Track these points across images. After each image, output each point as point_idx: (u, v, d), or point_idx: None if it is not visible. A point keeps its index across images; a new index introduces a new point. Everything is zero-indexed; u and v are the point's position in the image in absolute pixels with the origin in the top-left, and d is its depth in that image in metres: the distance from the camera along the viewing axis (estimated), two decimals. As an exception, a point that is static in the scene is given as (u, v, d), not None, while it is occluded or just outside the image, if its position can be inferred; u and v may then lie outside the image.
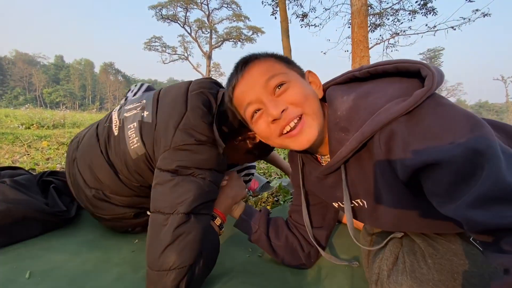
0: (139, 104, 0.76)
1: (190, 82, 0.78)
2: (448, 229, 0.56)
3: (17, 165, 1.93)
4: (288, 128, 0.53)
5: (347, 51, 7.24)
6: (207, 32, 38.70)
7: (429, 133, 0.40)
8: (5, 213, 0.71)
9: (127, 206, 0.77)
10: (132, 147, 0.70)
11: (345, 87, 0.56)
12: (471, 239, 0.56)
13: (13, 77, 52.18)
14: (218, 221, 0.74)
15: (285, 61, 0.59)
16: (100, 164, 0.73)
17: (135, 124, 0.71)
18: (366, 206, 0.57)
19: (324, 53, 8.00)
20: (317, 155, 0.65)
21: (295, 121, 0.52)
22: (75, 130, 5.70)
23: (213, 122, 0.68)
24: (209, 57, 39.18)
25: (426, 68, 0.44)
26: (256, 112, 0.55)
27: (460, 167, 0.37)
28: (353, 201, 0.59)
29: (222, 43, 39.50)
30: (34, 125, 5.95)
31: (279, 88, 0.53)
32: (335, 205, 0.66)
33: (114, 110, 0.79)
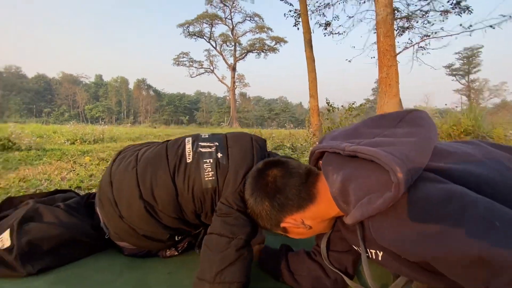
0: (212, 144, 0.90)
1: (251, 136, 0.95)
2: None
3: (65, 182, 2.14)
4: None
5: (374, 57, 7.03)
6: (231, 45, 39.98)
7: (403, 235, 0.45)
8: (59, 237, 0.81)
9: (168, 227, 0.84)
10: (206, 178, 0.82)
11: (334, 163, 0.61)
12: None
13: (60, 96, 57.93)
14: None
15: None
16: (164, 183, 0.82)
17: (211, 160, 0.84)
18: (380, 259, 0.58)
19: (349, 61, 7.84)
20: None
21: None
22: (112, 144, 6.12)
23: None
24: (233, 69, 40.29)
25: (394, 174, 0.46)
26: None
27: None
28: (369, 251, 0.60)
29: (246, 55, 40.47)
30: (78, 140, 6.50)
31: None
32: (356, 248, 0.67)
33: (187, 141, 0.91)
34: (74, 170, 2.73)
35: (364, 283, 0.84)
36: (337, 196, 0.57)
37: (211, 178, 0.82)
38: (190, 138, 0.92)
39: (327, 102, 7.05)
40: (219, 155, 0.86)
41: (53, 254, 0.79)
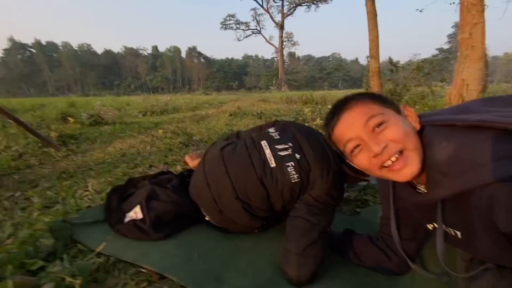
0: (287, 146, 1.01)
1: (317, 135, 1.04)
2: None
3: (152, 156, 2.58)
4: (389, 163, 0.58)
5: (453, 3, 5.81)
6: (278, 1, 37.16)
7: None
8: (173, 211, 1.08)
9: (261, 217, 1.03)
10: (293, 181, 0.95)
11: (444, 131, 0.57)
12: None
13: (125, 69, 64.08)
14: None
15: (381, 100, 0.64)
16: (255, 187, 0.98)
17: (292, 163, 0.96)
18: (460, 237, 0.61)
19: (421, 11, 6.67)
20: (412, 181, 0.68)
21: (396, 155, 0.57)
22: (176, 115, 6.65)
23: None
24: (281, 27, 37.86)
25: None
26: (356, 148, 0.62)
27: None
28: (447, 229, 0.63)
29: (294, 9, 37.32)
30: (148, 112, 7.19)
31: (378, 127, 0.59)
32: (430, 226, 0.70)
33: (265, 146, 1.02)
34: (154, 143, 3.19)
35: (426, 267, 0.91)
36: (439, 164, 0.53)
37: (296, 180, 0.95)
38: (265, 142, 1.03)
39: (390, 61, 6.31)
40: (297, 156, 0.97)
41: (172, 224, 1.08)
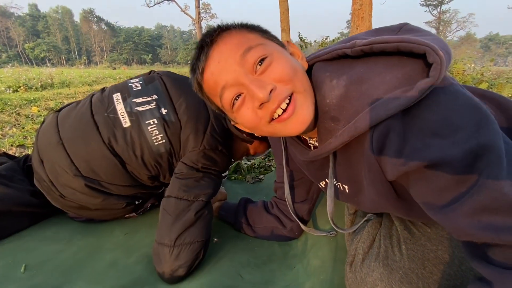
0: (150, 99, 0.78)
1: None
2: (428, 220, 0.56)
3: (6, 138, 1.90)
4: (280, 111, 0.44)
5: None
6: (192, -35, 34.12)
7: (428, 130, 0.36)
8: (-11, 210, 0.71)
9: (121, 196, 0.78)
10: (156, 143, 0.75)
11: (333, 67, 0.47)
12: None
13: (-12, 32, 48.22)
14: None
15: (260, 30, 0.48)
16: (101, 155, 0.72)
17: (154, 120, 0.75)
18: (347, 191, 0.56)
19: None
20: (303, 137, 0.59)
21: (287, 101, 0.44)
22: (64, 90, 5.49)
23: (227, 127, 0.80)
24: (197, -4, 35.33)
25: (433, 53, 0.36)
26: (236, 99, 0.45)
27: (456, 171, 0.34)
28: (337, 183, 0.57)
29: (210, -21, 35.09)
30: (22, 87, 5.72)
31: (260, 64, 0.43)
32: (322, 184, 0.64)
33: (117, 101, 0.76)
34: (19, 124, 2.43)
35: (317, 226, 0.90)
36: (330, 109, 0.45)
37: (161, 141, 0.74)
38: (118, 94, 0.77)
39: (299, 37, 6.63)
40: (163, 111, 0.75)
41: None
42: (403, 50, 0.40)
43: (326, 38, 5.88)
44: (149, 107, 0.76)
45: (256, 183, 1.25)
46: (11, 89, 5.41)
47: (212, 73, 0.45)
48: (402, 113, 0.37)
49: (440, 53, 0.36)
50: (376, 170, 0.43)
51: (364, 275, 0.56)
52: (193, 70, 0.49)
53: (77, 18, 54.43)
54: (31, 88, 5.71)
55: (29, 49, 46.36)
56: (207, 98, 0.51)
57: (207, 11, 40.51)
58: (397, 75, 0.39)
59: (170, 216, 0.69)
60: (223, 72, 0.44)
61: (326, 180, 0.61)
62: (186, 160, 0.75)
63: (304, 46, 6.31)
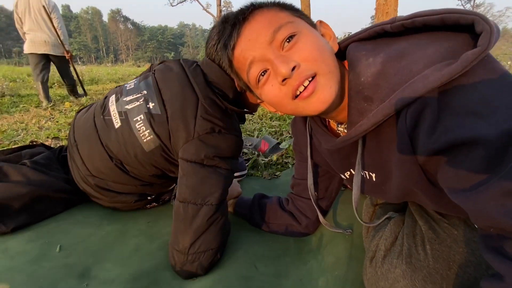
0: (140, 95, 0.75)
1: (181, 63, 0.76)
2: (456, 213, 0.53)
3: (42, 131, 2.06)
4: (301, 89, 0.44)
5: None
6: (215, -36, 34.46)
7: (465, 108, 0.33)
8: (29, 195, 0.79)
9: (129, 193, 0.82)
10: (144, 140, 0.71)
11: (371, 45, 0.45)
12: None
13: (27, 32, 51.86)
14: None
15: (292, 9, 0.49)
16: (102, 157, 0.76)
17: (141, 116, 0.71)
18: (374, 179, 0.54)
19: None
20: (330, 121, 0.58)
21: (309, 79, 0.43)
22: (93, 87, 5.81)
23: (224, 102, 0.71)
24: (219, -6, 35.65)
25: (482, 22, 0.34)
26: (262, 75, 0.46)
27: (488, 152, 0.32)
28: (363, 172, 0.55)
29: (232, -24, 35.24)
30: (56, 84, 6.09)
31: (288, 42, 0.44)
32: (347, 174, 0.63)
33: (111, 102, 0.78)
34: (53, 118, 2.61)
35: (335, 220, 0.89)
36: (363, 87, 0.42)
37: (148, 137, 0.71)
38: (113, 96, 0.79)
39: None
40: (150, 105, 0.72)
41: (27, 212, 0.78)
42: (448, 22, 0.37)
43: (348, 34, 5.73)
44: (137, 103, 0.73)
45: (272, 179, 1.26)
46: (46, 86, 5.78)
47: (242, 49, 0.47)
48: (440, 89, 0.35)
49: (490, 22, 0.34)
50: (407, 151, 0.41)
51: (385, 271, 0.55)
52: (225, 46, 0.50)
53: (105, 18, 56.98)
54: (64, 85, 6.06)
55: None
56: (236, 75, 0.53)
57: (228, 8, 40.78)
58: (440, 49, 0.37)
59: (181, 223, 0.66)
60: (252, 48, 0.46)
61: (352, 170, 0.59)
62: (184, 155, 0.68)
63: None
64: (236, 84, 0.70)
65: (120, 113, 0.74)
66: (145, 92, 0.74)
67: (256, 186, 1.19)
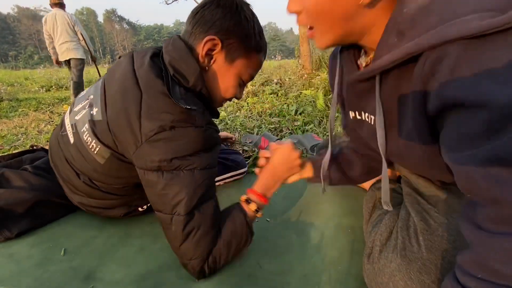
0: (86, 101, 0.68)
1: (132, 55, 0.67)
2: (439, 178, 0.54)
3: (42, 135, 2.06)
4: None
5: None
6: (208, -40, 34.02)
7: (486, 67, 0.31)
8: (31, 200, 0.79)
9: (113, 208, 0.80)
10: (95, 152, 0.64)
11: None
12: None
13: (22, 35, 51.56)
14: (253, 207, 0.68)
15: None
16: (72, 175, 0.74)
17: (86, 125, 0.64)
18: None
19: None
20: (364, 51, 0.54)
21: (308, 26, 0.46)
22: (91, 89, 5.77)
23: (177, 91, 0.59)
24: (214, -9, 35.28)
25: None
26: None
27: (492, 118, 0.31)
28: (370, 117, 0.53)
29: (227, -28, 34.93)
30: (53, 86, 6.11)
31: None
32: (351, 114, 0.59)
33: (66, 115, 0.74)
34: (52, 121, 2.61)
35: (338, 213, 0.89)
36: (401, 21, 0.40)
37: (97, 148, 0.64)
38: (69, 108, 0.75)
39: (318, 28, 6.42)
40: (94, 111, 0.64)
41: (30, 216, 0.79)
42: None
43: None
44: (84, 111, 0.67)
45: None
46: (44, 89, 5.81)
47: None
48: (471, 43, 0.32)
49: None
50: (420, 99, 0.40)
51: (381, 266, 0.56)
52: None
53: (100, 18, 56.61)
54: (62, 88, 6.08)
55: (58, 50, 49.19)
56: None
57: (224, 5, 40.40)
58: None
59: (164, 229, 0.62)
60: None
61: (357, 112, 0.57)
62: (138, 164, 0.60)
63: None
64: (201, 60, 0.63)
65: (72, 126, 0.68)
66: (91, 97, 0.67)
67: (248, 182, 1.20)
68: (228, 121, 2.13)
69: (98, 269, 0.67)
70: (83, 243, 0.75)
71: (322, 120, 1.98)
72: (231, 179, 1.15)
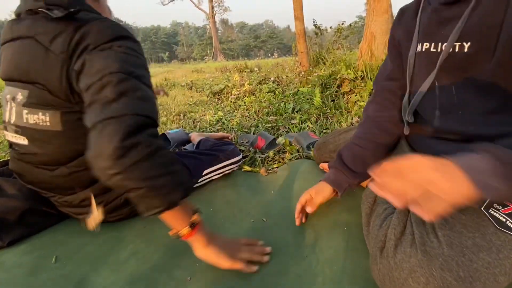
0: (7, 102, 0.70)
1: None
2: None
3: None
4: None
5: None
6: (203, -40, 33.94)
7: None
8: (24, 208, 0.78)
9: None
10: (49, 124, 0.65)
11: None
12: (482, 209, 0.53)
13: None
14: (183, 231, 0.60)
15: None
16: (47, 176, 0.74)
17: (24, 113, 0.66)
18: (466, 50, 0.51)
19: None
20: None
21: None
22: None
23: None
24: (210, -10, 35.22)
25: None
26: None
27: None
28: (454, 44, 0.52)
29: (222, -29, 34.81)
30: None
31: None
32: (425, 45, 0.59)
33: (5, 133, 0.75)
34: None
35: (336, 211, 0.88)
36: None
37: (47, 119, 0.65)
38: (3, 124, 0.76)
39: (314, 24, 6.40)
40: (18, 96, 0.66)
41: (22, 225, 0.78)
42: None
43: (342, 24, 5.63)
44: (14, 108, 0.69)
45: (270, 175, 1.26)
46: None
47: None
48: None
49: None
50: None
51: (399, 261, 0.54)
52: None
53: (97, 22, 56.58)
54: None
55: None
56: None
57: (220, 4, 40.33)
58: None
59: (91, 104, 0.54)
60: None
61: (434, 43, 0.56)
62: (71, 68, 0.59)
63: (319, 34, 6.10)
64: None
65: (15, 131, 0.69)
66: (8, 96, 0.70)
67: (253, 182, 1.19)
68: (225, 121, 2.12)
69: (90, 274, 0.67)
70: (74, 250, 0.75)
71: (319, 118, 1.97)
72: (227, 168, 1.15)
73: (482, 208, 0.53)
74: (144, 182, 0.49)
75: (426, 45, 0.58)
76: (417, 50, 0.61)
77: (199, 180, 1.05)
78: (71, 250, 0.74)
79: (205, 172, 1.07)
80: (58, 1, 0.62)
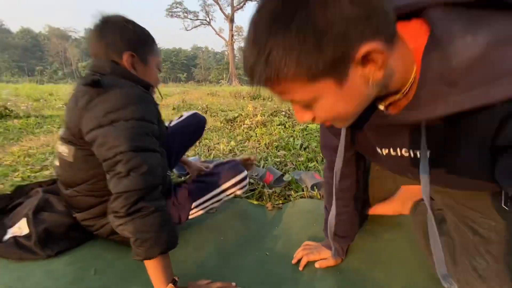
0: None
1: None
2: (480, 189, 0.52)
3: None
4: None
5: None
6: (228, -7, 36.56)
7: None
8: (59, 223, 0.94)
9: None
10: (66, 156, 0.84)
11: (465, 17, 0.36)
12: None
13: (50, 52, 55.28)
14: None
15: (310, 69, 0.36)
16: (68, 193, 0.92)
17: (59, 144, 0.88)
18: (427, 156, 0.47)
19: None
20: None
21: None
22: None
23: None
24: (231, 20, 37.46)
25: None
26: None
27: None
28: (414, 151, 0.50)
29: (244, 4, 37.28)
30: (77, 104, 6.31)
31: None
32: (385, 151, 0.56)
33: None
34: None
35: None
36: (451, 71, 0.36)
37: (66, 152, 0.84)
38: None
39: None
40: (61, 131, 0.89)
41: (67, 238, 0.94)
42: None
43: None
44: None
45: (275, 210, 1.37)
46: (67, 106, 6.09)
47: None
48: None
49: None
50: (484, 145, 0.39)
51: None
52: None
53: (123, 40, 60.26)
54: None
55: (82, 68, 52.18)
56: None
57: (240, 33, 42.69)
58: None
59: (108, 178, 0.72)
60: None
61: (391, 149, 0.54)
62: (85, 128, 0.75)
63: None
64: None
65: (57, 155, 0.91)
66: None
67: (259, 216, 1.31)
68: (237, 151, 2.28)
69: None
70: (110, 264, 0.89)
71: (324, 157, 2.10)
72: (236, 187, 1.09)
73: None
74: (135, 235, 0.67)
75: (385, 150, 0.56)
76: (381, 153, 0.58)
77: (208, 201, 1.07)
78: (107, 263, 0.88)
79: (208, 195, 1.06)
80: (101, 69, 0.82)
